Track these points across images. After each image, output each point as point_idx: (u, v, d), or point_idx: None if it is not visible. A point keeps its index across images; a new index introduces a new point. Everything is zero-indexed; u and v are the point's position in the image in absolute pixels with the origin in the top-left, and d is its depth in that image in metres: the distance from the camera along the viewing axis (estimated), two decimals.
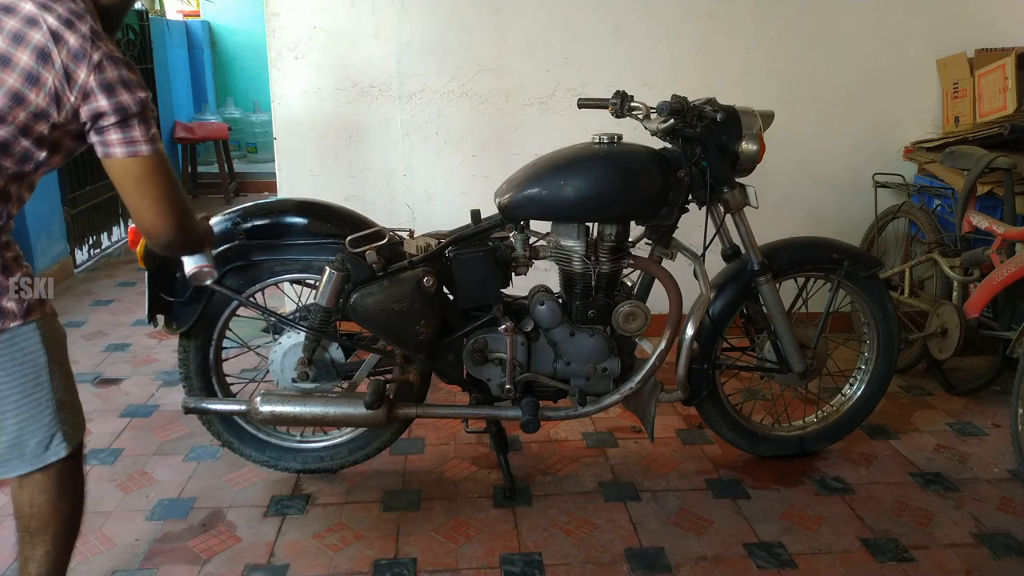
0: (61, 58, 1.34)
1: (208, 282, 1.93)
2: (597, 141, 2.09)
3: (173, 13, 7.96)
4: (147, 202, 1.45)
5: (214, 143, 6.46)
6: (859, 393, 2.49)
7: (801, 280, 2.44)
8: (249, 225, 2.11)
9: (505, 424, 2.31)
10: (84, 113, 1.38)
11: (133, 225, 2.08)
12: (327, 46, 3.16)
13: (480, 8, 3.14)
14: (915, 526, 2.15)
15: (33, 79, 1.34)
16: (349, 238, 2.05)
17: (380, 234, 2.07)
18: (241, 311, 2.23)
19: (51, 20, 1.35)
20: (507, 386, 2.15)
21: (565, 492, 2.31)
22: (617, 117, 2.22)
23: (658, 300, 2.17)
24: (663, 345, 2.14)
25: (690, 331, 2.15)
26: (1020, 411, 2.24)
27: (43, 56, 1.34)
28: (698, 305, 2.16)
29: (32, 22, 1.34)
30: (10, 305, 1.44)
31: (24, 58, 1.34)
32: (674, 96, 2.02)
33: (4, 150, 1.37)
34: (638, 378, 2.16)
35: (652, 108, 2.08)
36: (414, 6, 3.13)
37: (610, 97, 2.20)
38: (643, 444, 2.58)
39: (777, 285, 2.27)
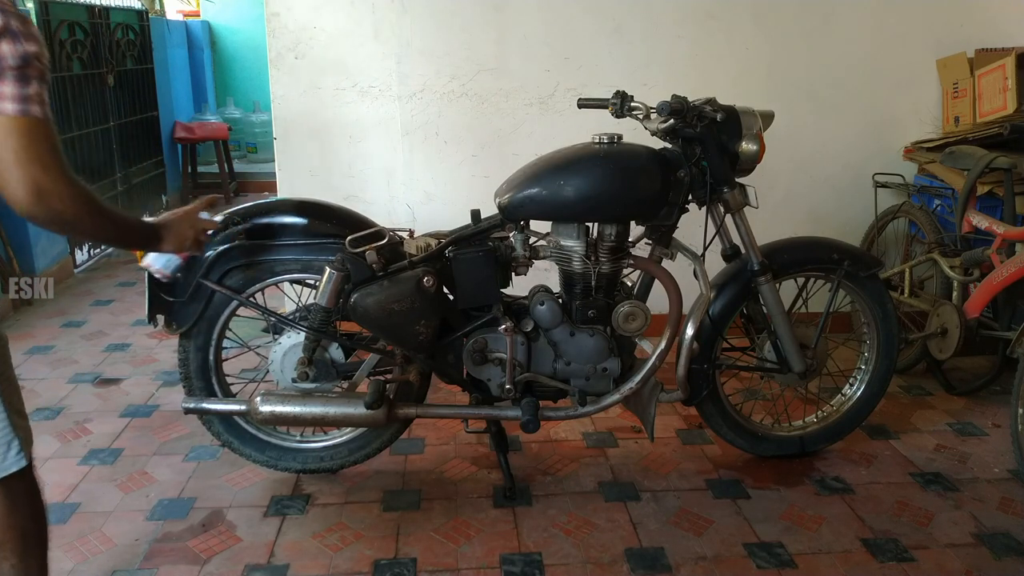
0: None
1: (158, 276, 1.97)
2: (597, 141, 2.09)
3: (173, 13, 7.96)
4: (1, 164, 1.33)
5: (214, 143, 6.46)
6: (859, 393, 2.49)
7: (801, 280, 2.44)
8: (249, 225, 2.11)
9: (505, 424, 2.31)
10: None
11: None
12: (327, 46, 3.16)
13: (480, 8, 3.14)
14: (915, 526, 2.15)
15: None
16: (349, 238, 2.05)
17: (380, 234, 2.07)
18: (241, 311, 2.22)
19: None
20: (507, 386, 2.15)
21: (565, 492, 2.31)
22: (617, 117, 2.22)
23: (658, 300, 2.17)
24: (663, 345, 2.14)
25: (690, 331, 2.15)
26: (1020, 411, 2.24)
27: None
28: (698, 305, 2.16)
29: None
30: None
31: None
32: (674, 96, 2.02)
33: None
34: (638, 378, 2.16)
35: (652, 108, 2.08)
36: (414, 6, 3.13)
37: (610, 97, 2.20)
38: (643, 444, 2.58)
39: (777, 285, 2.27)
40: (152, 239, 1.67)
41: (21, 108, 1.30)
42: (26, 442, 1.51)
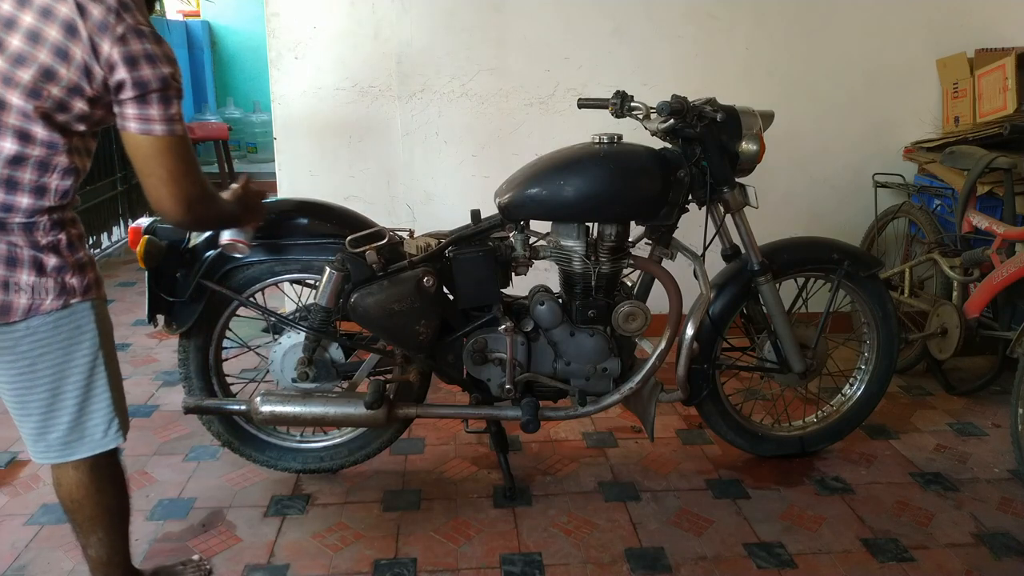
0: (87, 31, 1.34)
1: (238, 256, 1.95)
2: (597, 141, 2.09)
3: (173, 13, 7.96)
4: (153, 181, 1.46)
5: (214, 143, 6.43)
6: (859, 393, 2.49)
7: (801, 280, 2.44)
8: None
9: (505, 424, 2.31)
10: (110, 84, 1.39)
11: (133, 225, 2.09)
12: (327, 46, 3.16)
13: (480, 8, 3.14)
14: (915, 526, 2.15)
15: (63, 54, 1.35)
16: (349, 238, 2.05)
17: (380, 234, 2.07)
18: (241, 311, 2.23)
19: None
20: (507, 386, 2.14)
21: (565, 492, 2.31)
22: (617, 117, 2.22)
23: (658, 300, 2.17)
24: (663, 345, 2.14)
25: (690, 331, 2.15)
26: (1020, 411, 2.24)
27: (71, 30, 1.35)
28: (698, 305, 2.16)
29: None
30: (73, 281, 1.48)
31: (53, 33, 1.35)
32: (674, 96, 2.02)
33: (50, 124, 1.39)
34: (638, 378, 2.16)
35: (652, 108, 2.08)
36: (414, 6, 3.13)
37: (610, 97, 2.20)
38: (643, 444, 2.58)
39: (777, 285, 2.27)
40: (238, 219, 1.87)
41: (167, 128, 1.43)
42: (123, 424, 1.64)
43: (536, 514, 2.20)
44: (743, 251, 2.24)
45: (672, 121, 2.07)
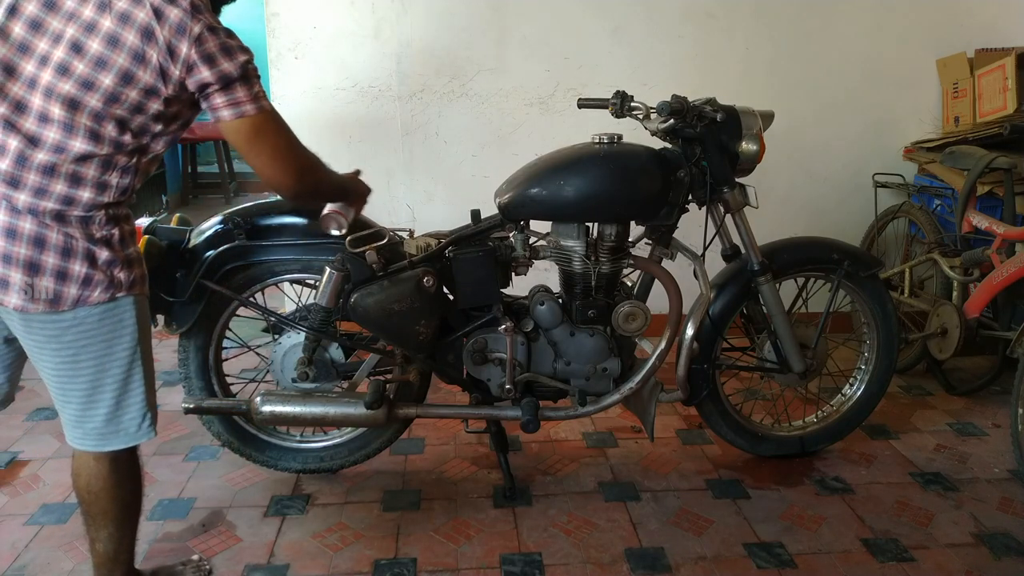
0: (164, 34, 1.40)
1: (334, 231, 1.96)
2: (597, 141, 2.09)
3: None
4: (263, 159, 1.53)
5: (214, 143, 6.45)
6: (859, 393, 2.49)
7: (801, 280, 2.45)
8: (249, 225, 2.11)
9: (505, 424, 2.31)
10: (191, 84, 1.44)
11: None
12: (327, 46, 3.16)
13: (480, 8, 3.14)
14: (915, 526, 2.15)
15: (140, 57, 1.40)
16: (349, 238, 2.05)
17: (380, 234, 2.07)
18: (241, 311, 2.23)
19: None
20: (507, 386, 2.15)
21: (565, 492, 2.31)
22: (617, 117, 2.22)
23: (658, 300, 2.17)
24: (663, 345, 2.14)
25: (690, 331, 2.15)
26: (1020, 411, 2.24)
27: (147, 34, 1.40)
28: (698, 305, 2.16)
29: (137, 1, 1.40)
30: (121, 275, 1.50)
31: (131, 38, 1.39)
32: (674, 96, 2.02)
33: (122, 126, 1.43)
34: (638, 378, 2.16)
35: (652, 108, 2.08)
36: (414, 6, 3.13)
37: (610, 97, 2.20)
38: (643, 444, 2.58)
39: (777, 285, 2.27)
40: (345, 194, 1.93)
41: (257, 106, 1.50)
42: (154, 418, 1.65)
43: (536, 514, 2.20)
44: (743, 251, 2.24)
45: (672, 121, 2.07)
